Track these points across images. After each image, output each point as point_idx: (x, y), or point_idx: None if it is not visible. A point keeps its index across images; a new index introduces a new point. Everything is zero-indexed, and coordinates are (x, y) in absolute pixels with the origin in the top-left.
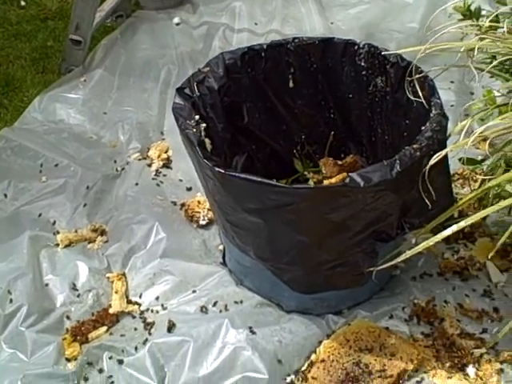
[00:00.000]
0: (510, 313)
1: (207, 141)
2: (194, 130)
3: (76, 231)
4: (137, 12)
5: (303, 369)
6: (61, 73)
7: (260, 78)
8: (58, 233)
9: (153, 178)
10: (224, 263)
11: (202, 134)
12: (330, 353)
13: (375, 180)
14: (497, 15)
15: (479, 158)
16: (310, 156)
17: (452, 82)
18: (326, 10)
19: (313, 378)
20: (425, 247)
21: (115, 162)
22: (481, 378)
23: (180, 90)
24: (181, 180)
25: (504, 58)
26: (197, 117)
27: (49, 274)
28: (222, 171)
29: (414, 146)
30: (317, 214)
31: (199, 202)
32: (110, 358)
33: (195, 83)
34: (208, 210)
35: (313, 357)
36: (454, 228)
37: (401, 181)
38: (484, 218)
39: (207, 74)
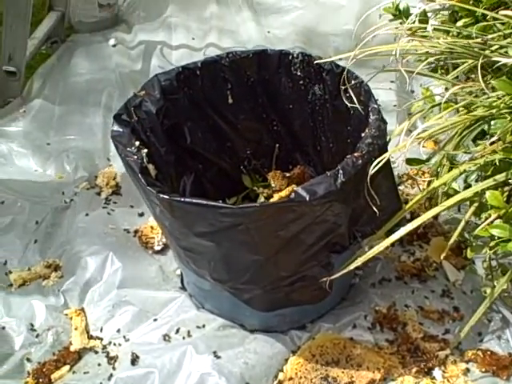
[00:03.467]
0: (469, 311)
1: (150, 166)
2: (136, 156)
3: (29, 269)
4: (72, 36)
5: None
6: None
7: (198, 97)
8: (11, 272)
9: (103, 207)
10: (183, 288)
11: (145, 159)
12: (298, 370)
13: (320, 192)
14: (426, 13)
15: (426, 157)
16: (258, 170)
17: (392, 81)
18: (261, 18)
19: None
20: (376, 253)
21: (63, 193)
22: (448, 380)
23: (117, 117)
24: (132, 206)
25: (432, 59)
26: (137, 143)
27: (4, 317)
28: (167, 197)
29: (356, 154)
30: (267, 232)
31: (152, 228)
32: None
33: (132, 108)
34: (162, 234)
35: (280, 375)
36: (402, 231)
37: (346, 190)
38: (436, 218)
39: (144, 98)
